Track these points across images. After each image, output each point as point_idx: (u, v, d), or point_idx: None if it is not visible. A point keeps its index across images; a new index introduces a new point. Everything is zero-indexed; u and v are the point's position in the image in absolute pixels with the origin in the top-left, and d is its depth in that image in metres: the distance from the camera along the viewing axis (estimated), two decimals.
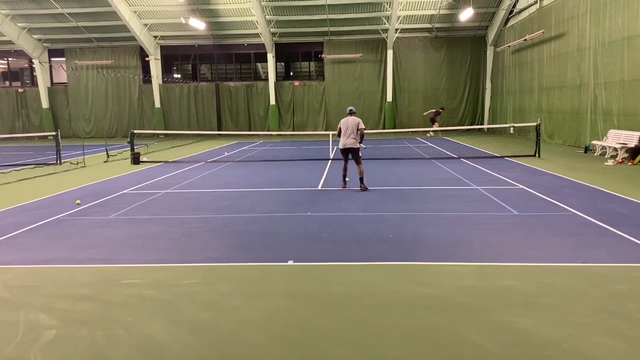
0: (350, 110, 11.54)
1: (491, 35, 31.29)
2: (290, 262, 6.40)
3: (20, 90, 35.68)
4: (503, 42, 29.46)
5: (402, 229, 7.83)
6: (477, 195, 10.44)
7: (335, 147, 19.47)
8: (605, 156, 16.43)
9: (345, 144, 11.29)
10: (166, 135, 31.19)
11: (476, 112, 32.98)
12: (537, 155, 16.83)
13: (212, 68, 35.38)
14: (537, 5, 24.30)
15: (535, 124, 17.64)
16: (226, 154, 20.72)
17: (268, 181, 13.07)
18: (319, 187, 11.89)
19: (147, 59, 33.41)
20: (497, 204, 9.52)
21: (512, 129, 16.85)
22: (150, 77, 33.75)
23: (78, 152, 21.59)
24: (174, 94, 34.25)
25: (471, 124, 32.41)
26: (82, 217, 9.27)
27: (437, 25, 31.44)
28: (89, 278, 6.00)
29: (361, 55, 32.56)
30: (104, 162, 18.66)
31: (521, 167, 14.70)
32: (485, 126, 30.69)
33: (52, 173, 15.73)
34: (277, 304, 5.11)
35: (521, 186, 11.35)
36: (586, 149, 17.89)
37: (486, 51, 32.24)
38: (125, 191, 11.98)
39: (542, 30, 22.14)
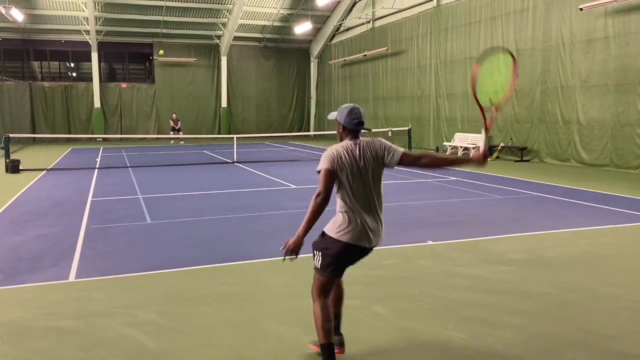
0: None
1: (315, 49, 34.11)
2: None
3: None
4: (330, 56, 32.42)
5: None
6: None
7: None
8: (458, 154, 19.97)
9: None
10: None
11: (303, 119, 35.46)
12: None
13: (23, 66, 30.89)
14: (369, 25, 27.62)
15: (407, 128, 20.42)
16: (97, 160, 18.96)
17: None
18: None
19: None
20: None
21: (389, 132, 19.33)
22: None
23: None
24: None
25: (299, 130, 34.69)
26: None
27: (267, 36, 32.99)
28: None
29: (195, 59, 32.25)
30: None
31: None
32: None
33: None
34: None
35: (454, 178, 13.54)
36: (437, 149, 21.36)
37: (310, 63, 34.99)
38: None
39: (385, 48, 25.33)
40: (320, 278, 3.49)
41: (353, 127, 3.50)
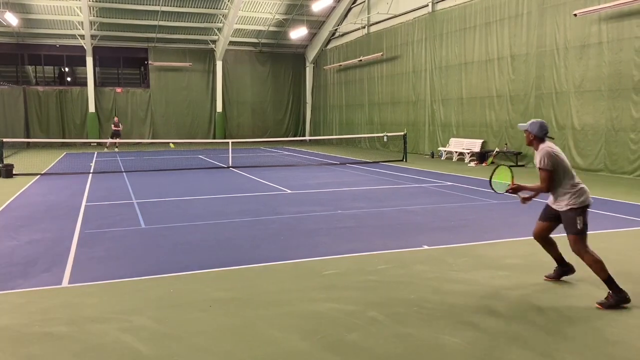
0: None
1: (311, 55, 34.17)
2: None
3: None
4: (325, 61, 32.49)
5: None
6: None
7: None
8: (453, 160, 19.99)
9: None
10: None
11: (298, 124, 35.49)
12: (404, 160, 19.56)
13: (17, 70, 30.75)
14: (365, 30, 27.70)
15: (402, 133, 20.43)
16: (91, 165, 18.89)
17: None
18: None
19: None
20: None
21: (385, 137, 19.20)
22: None
23: None
24: None
25: (294, 135, 34.69)
26: None
27: (263, 40, 33.03)
28: None
29: (191, 64, 32.23)
30: None
31: (412, 170, 17.03)
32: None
33: None
34: None
35: (450, 183, 13.56)
36: (432, 154, 21.38)
37: (306, 68, 35.04)
38: None
39: (381, 53, 25.39)
40: (582, 236, 4.95)
41: (543, 136, 5.15)
